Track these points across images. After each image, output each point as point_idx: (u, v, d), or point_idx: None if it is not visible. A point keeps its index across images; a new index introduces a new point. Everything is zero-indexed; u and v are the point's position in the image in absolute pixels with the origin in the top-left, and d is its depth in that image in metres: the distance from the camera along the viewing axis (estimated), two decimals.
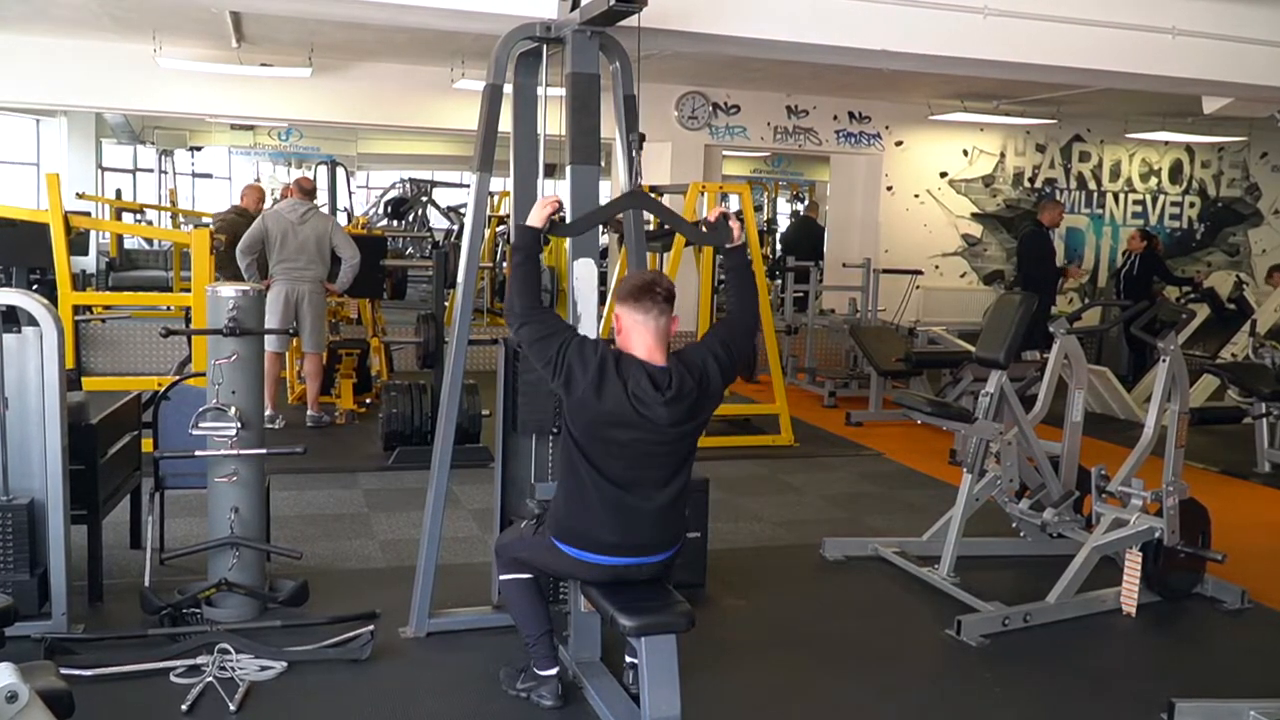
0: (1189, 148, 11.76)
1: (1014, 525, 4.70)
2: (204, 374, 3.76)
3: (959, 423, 4.53)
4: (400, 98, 9.19)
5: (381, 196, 15.44)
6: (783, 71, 8.68)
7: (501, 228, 10.75)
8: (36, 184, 11.95)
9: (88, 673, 3.18)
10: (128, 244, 12.07)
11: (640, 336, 2.80)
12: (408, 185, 15.05)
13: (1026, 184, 11.28)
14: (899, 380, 8.27)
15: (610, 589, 2.90)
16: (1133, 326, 4.75)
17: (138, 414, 4.32)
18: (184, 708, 3.05)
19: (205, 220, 9.60)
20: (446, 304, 6.90)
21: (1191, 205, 12.02)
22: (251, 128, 13.43)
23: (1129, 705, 3.39)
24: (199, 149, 14.76)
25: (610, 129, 3.58)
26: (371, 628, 3.58)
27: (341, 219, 11.04)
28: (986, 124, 10.63)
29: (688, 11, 4.13)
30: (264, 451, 3.76)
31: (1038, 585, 4.17)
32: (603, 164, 4.24)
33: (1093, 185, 11.60)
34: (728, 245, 3.05)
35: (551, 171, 3.80)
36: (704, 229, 3.14)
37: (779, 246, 12.89)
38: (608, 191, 9.23)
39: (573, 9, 3.52)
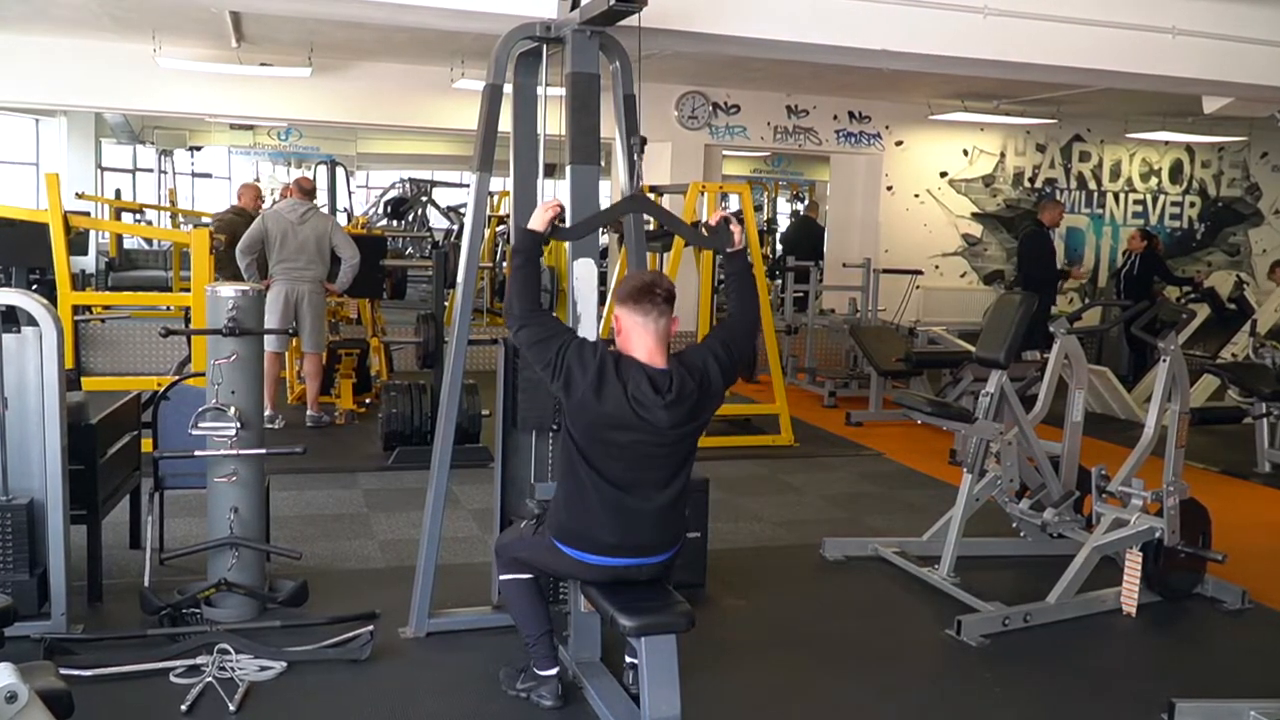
0: (1189, 147, 11.76)
1: (1014, 525, 4.70)
2: (203, 374, 3.76)
3: (959, 423, 4.52)
4: (400, 97, 9.19)
5: (381, 196, 15.43)
6: (783, 71, 8.68)
7: (501, 228, 10.75)
8: (36, 184, 11.95)
9: (87, 673, 3.18)
10: (127, 244, 12.06)
11: (640, 338, 2.80)
12: (407, 185, 15.05)
13: (1027, 184, 11.28)
14: (899, 380, 8.27)
15: (610, 589, 2.90)
16: (1133, 326, 4.75)
17: (137, 414, 4.31)
18: (183, 708, 3.04)
19: (205, 220, 9.60)
20: (446, 304, 6.89)
21: (1192, 205, 12.02)
22: (251, 127, 13.44)
23: (1129, 705, 3.38)
24: (198, 149, 14.76)
25: (610, 129, 3.58)
26: (371, 628, 3.58)
27: (341, 219, 11.04)
28: (987, 124, 10.63)
29: (688, 11, 4.13)
30: (263, 451, 3.76)
31: (1038, 585, 4.17)
32: (603, 164, 4.24)
33: (1093, 185, 11.60)
34: (729, 249, 3.05)
35: (551, 171, 3.80)
36: (705, 233, 3.13)
37: (779, 246, 12.89)
38: (608, 191, 9.23)
39: (572, 9, 3.51)
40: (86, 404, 3.87)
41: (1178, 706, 3.18)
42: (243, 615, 3.69)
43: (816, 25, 4.44)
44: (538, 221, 2.96)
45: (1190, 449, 4.39)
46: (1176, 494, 4.15)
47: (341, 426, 6.98)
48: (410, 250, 13.95)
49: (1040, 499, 4.51)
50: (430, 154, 15.40)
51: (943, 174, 10.94)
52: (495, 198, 11.04)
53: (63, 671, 2.61)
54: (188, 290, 6.93)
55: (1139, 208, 11.83)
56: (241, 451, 3.67)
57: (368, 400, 7.46)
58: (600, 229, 3.57)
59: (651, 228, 8.70)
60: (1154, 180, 11.82)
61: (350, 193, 13.35)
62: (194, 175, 15.51)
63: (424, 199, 14.89)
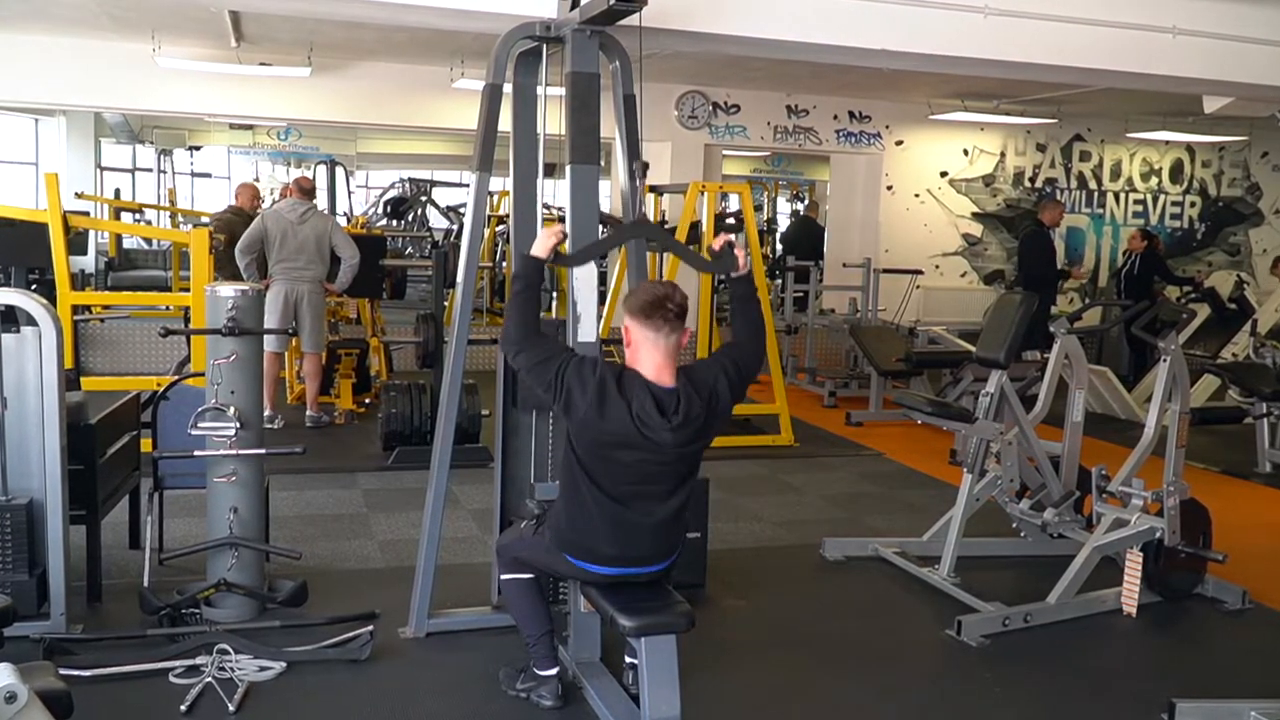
0: (1190, 147, 11.75)
1: (1014, 525, 4.70)
2: (203, 374, 3.76)
3: (959, 423, 4.52)
4: (400, 97, 9.18)
5: (381, 196, 15.43)
6: (783, 71, 8.68)
7: (501, 227, 10.74)
8: (35, 183, 11.95)
9: (86, 673, 3.18)
10: (126, 244, 12.05)
11: (648, 354, 2.76)
12: (407, 185, 15.04)
13: (1027, 183, 11.28)
14: (899, 380, 8.27)
15: (610, 589, 2.90)
16: (1133, 326, 4.75)
17: (137, 414, 4.31)
18: (183, 708, 3.04)
19: (204, 220, 9.59)
20: (446, 304, 6.89)
21: (1192, 205, 12.02)
22: (250, 127, 13.44)
23: (1129, 705, 3.38)
24: (198, 148, 14.76)
25: (610, 129, 3.57)
26: (371, 628, 3.57)
27: (341, 219, 11.04)
28: (987, 123, 10.63)
29: (688, 10, 4.12)
30: (263, 451, 3.76)
31: (1038, 585, 4.17)
32: (602, 164, 4.23)
33: (1093, 185, 11.59)
34: (733, 274, 3.01)
35: (551, 171, 3.79)
36: (708, 257, 3.10)
37: (779, 246, 12.88)
38: (607, 191, 9.22)
39: (572, 8, 3.51)
40: (86, 404, 3.86)
41: (1178, 707, 3.18)
42: (242, 615, 3.69)
43: (816, 24, 4.43)
44: (540, 248, 2.94)
45: (1191, 449, 4.39)
46: (1177, 494, 4.15)
47: (341, 426, 6.98)
48: (410, 250, 13.94)
49: (1040, 499, 4.51)
50: (430, 154, 15.40)
51: (943, 174, 10.94)
52: (495, 197, 11.03)
53: (62, 672, 2.61)
54: (187, 290, 6.92)
55: (1139, 207, 11.83)
56: (241, 451, 3.67)
57: (367, 400, 7.46)
58: (600, 227, 3.56)
59: None
60: (1154, 180, 11.82)
61: (350, 192, 13.35)
62: (193, 175, 15.52)
63: (424, 199, 14.89)
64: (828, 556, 4.70)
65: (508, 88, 3.57)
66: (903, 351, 7.99)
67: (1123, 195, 11.74)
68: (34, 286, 7.47)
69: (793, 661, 3.64)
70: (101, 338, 8.58)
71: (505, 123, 3.54)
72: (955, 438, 6.02)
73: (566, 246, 3.10)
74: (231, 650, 3.33)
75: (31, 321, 3.37)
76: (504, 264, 10.13)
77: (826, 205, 12.44)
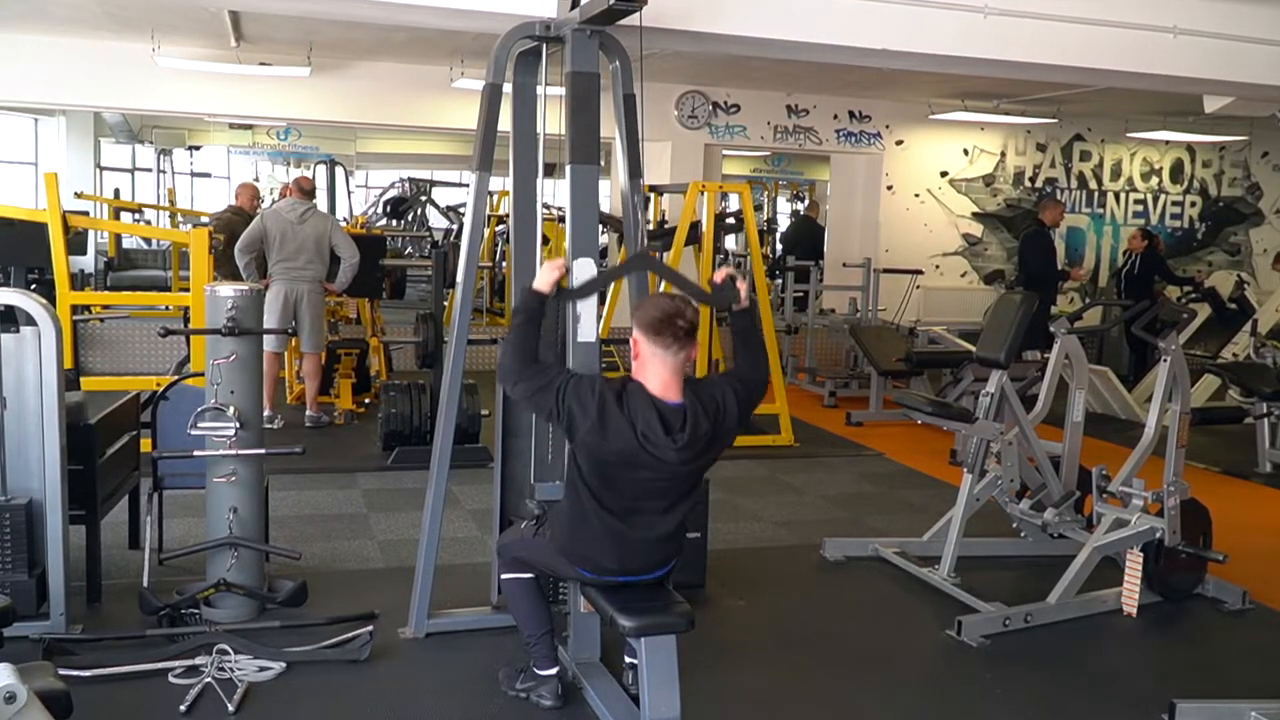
0: (1190, 147, 11.75)
1: (1014, 525, 4.69)
2: (202, 374, 3.76)
3: (959, 423, 4.52)
4: (399, 97, 9.18)
5: (380, 196, 15.43)
6: (783, 70, 8.67)
7: (501, 227, 10.74)
8: (35, 183, 11.94)
9: (86, 673, 3.17)
10: (126, 243, 12.06)
11: (655, 370, 2.74)
12: (407, 184, 15.04)
13: (1027, 183, 11.27)
14: (899, 380, 8.27)
15: (610, 590, 2.90)
16: (1134, 326, 4.74)
17: (136, 414, 4.31)
18: (182, 708, 3.04)
19: (204, 220, 9.59)
20: (446, 304, 6.89)
21: (1193, 204, 12.01)
22: (250, 127, 13.44)
23: (1130, 706, 3.38)
24: (197, 148, 14.76)
25: (610, 129, 3.57)
26: (370, 628, 3.57)
27: (341, 220, 11.03)
28: (987, 123, 10.63)
29: (688, 10, 4.11)
30: (263, 451, 3.75)
31: (1038, 586, 4.16)
32: (602, 163, 4.23)
33: (1094, 184, 11.59)
34: (735, 307, 2.99)
35: (551, 171, 3.79)
36: (709, 289, 3.09)
37: (779, 246, 12.89)
38: (607, 191, 9.22)
39: (572, 8, 3.50)
40: (85, 404, 3.86)
41: (1178, 707, 3.17)
42: (242, 615, 3.68)
43: (817, 24, 4.43)
44: (543, 282, 2.94)
45: (1191, 449, 4.39)
46: (1177, 494, 4.14)
47: (341, 426, 6.97)
48: (410, 250, 13.95)
49: (1041, 499, 4.50)
50: (429, 153, 15.41)
51: (943, 173, 10.94)
52: (495, 197, 11.03)
53: (61, 672, 2.60)
54: (187, 290, 6.92)
55: (1140, 207, 11.83)
56: (240, 451, 3.66)
57: (367, 400, 7.46)
58: (600, 226, 3.55)
59: (651, 226, 8.72)
60: (1155, 180, 11.82)
61: (349, 192, 13.34)
62: (193, 175, 15.53)
63: (423, 198, 14.89)
64: (828, 556, 4.70)
65: (508, 87, 3.56)
66: (903, 351, 7.99)
67: (1123, 195, 11.74)
68: (33, 286, 7.46)
69: (793, 661, 3.64)
70: (101, 338, 8.58)
71: (505, 122, 3.54)
72: (955, 438, 6.02)
73: (569, 280, 3.10)
74: (231, 650, 3.33)
75: (31, 321, 3.36)
76: (504, 264, 10.13)
77: (826, 205, 12.44)
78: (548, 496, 3.21)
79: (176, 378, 4.27)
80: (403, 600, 3.70)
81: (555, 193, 11.08)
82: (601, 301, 3.55)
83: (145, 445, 4.15)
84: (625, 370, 3.54)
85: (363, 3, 4.43)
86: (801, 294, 9.57)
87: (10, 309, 3.43)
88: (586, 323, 3.41)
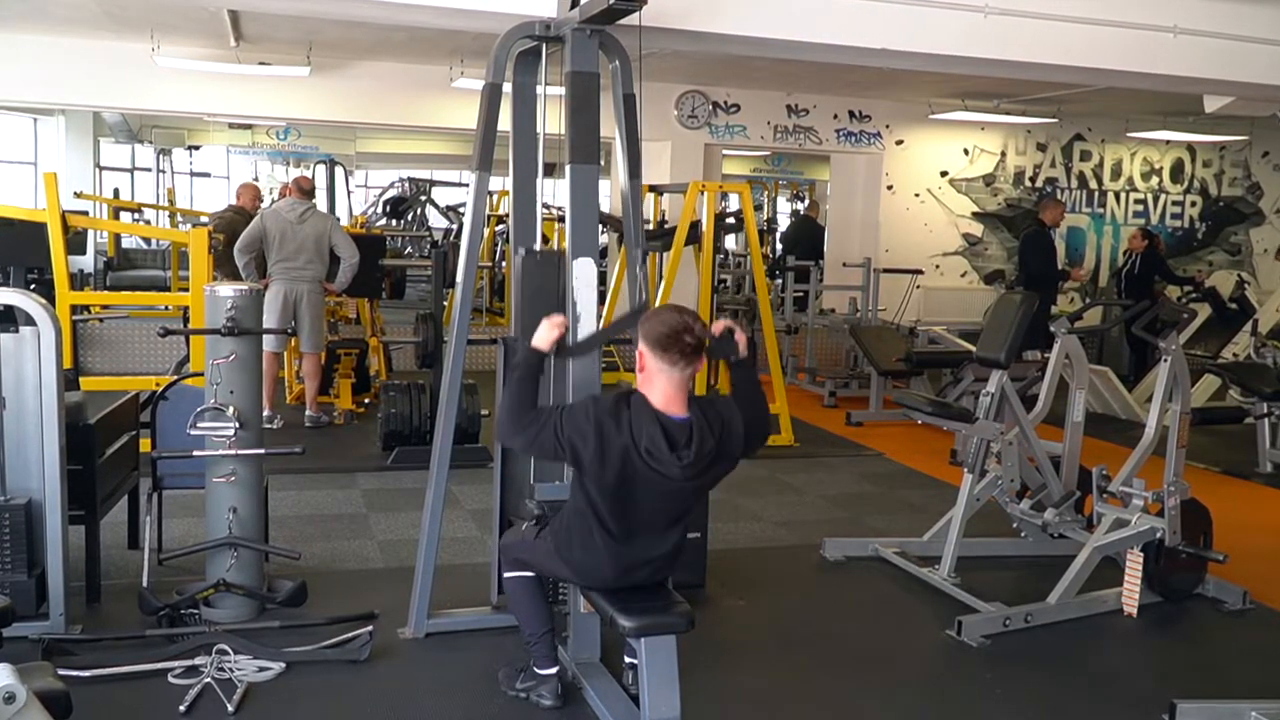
0: (1190, 147, 11.74)
1: (1015, 525, 4.69)
2: (202, 374, 3.75)
3: (960, 423, 4.51)
4: (399, 97, 9.17)
5: (380, 196, 15.43)
6: (783, 70, 8.67)
7: (501, 227, 10.74)
8: (34, 183, 11.94)
9: (85, 674, 3.17)
10: (125, 243, 12.06)
11: (660, 385, 2.72)
12: (406, 184, 15.04)
13: (1027, 183, 11.27)
14: (899, 380, 8.26)
15: (610, 590, 2.89)
16: (1134, 326, 4.74)
17: (136, 414, 4.31)
18: (182, 709, 3.03)
19: (203, 219, 9.59)
20: (445, 303, 6.88)
21: (1193, 204, 12.01)
22: (250, 127, 13.43)
23: (1130, 706, 3.38)
24: (197, 148, 14.76)
25: (610, 128, 3.57)
26: (370, 628, 3.57)
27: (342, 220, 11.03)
28: (987, 123, 10.62)
29: (687, 10, 4.11)
30: (262, 451, 3.75)
31: (1039, 586, 4.16)
32: (602, 163, 4.23)
33: (1094, 184, 11.58)
34: (733, 359, 2.97)
35: (551, 171, 3.79)
36: (709, 342, 3.07)
37: (779, 246, 12.89)
38: (607, 191, 9.21)
39: (572, 7, 3.50)
40: (85, 404, 3.86)
41: (1179, 707, 3.17)
42: (241, 616, 3.68)
43: (817, 24, 4.42)
44: (543, 340, 2.93)
45: (1191, 449, 4.39)
46: (1177, 494, 4.14)
47: (340, 426, 6.97)
48: (409, 250, 13.95)
49: (1041, 499, 4.50)
50: (429, 153, 15.40)
51: (943, 173, 10.93)
52: (495, 197, 11.03)
53: (61, 672, 2.60)
54: (186, 290, 6.91)
55: (1140, 207, 11.82)
56: (240, 451, 3.66)
57: (367, 400, 7.45)
58: (600, 226, 3.55)
59: (651, 226, 8.71)
60: (1155, 179, 11.81)
61: (349, 192, 13.34)
62: (192, 174, 15.52)
63: (423, 198, 14.89)
64: (828, 556, 4.69)
65: (507, 87, 3.56)
66: (903, 351, 7.98)
67: (1123, 195, 11.73)
68: (33, 286, 7.46)
69: (793, 661, 3.64)
70: (100, 337, 8.57)
71: (505, 122, 3.54)
72: (956, 438, 6.02)
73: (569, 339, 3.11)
74: (230, 650, 3.32)
75: (30, 321, 3.36)
76: (503, 264, 10.13)
77: (826, 205, 12.44)
78: (548, 496, 3.21)
79: (176, 378, 4.27)
80: (402, 600, 3.69)
81: (555, 193, 11.08)
82: (601, 301, 3.55)
83: (145, 445, 4.15)
84: (625, 369, 3.54)
85: (362, 2, 4.43)
86: (801, 294, 9.57)
87: (10, 309, 3.43)
88: (586, 322, 3.42)
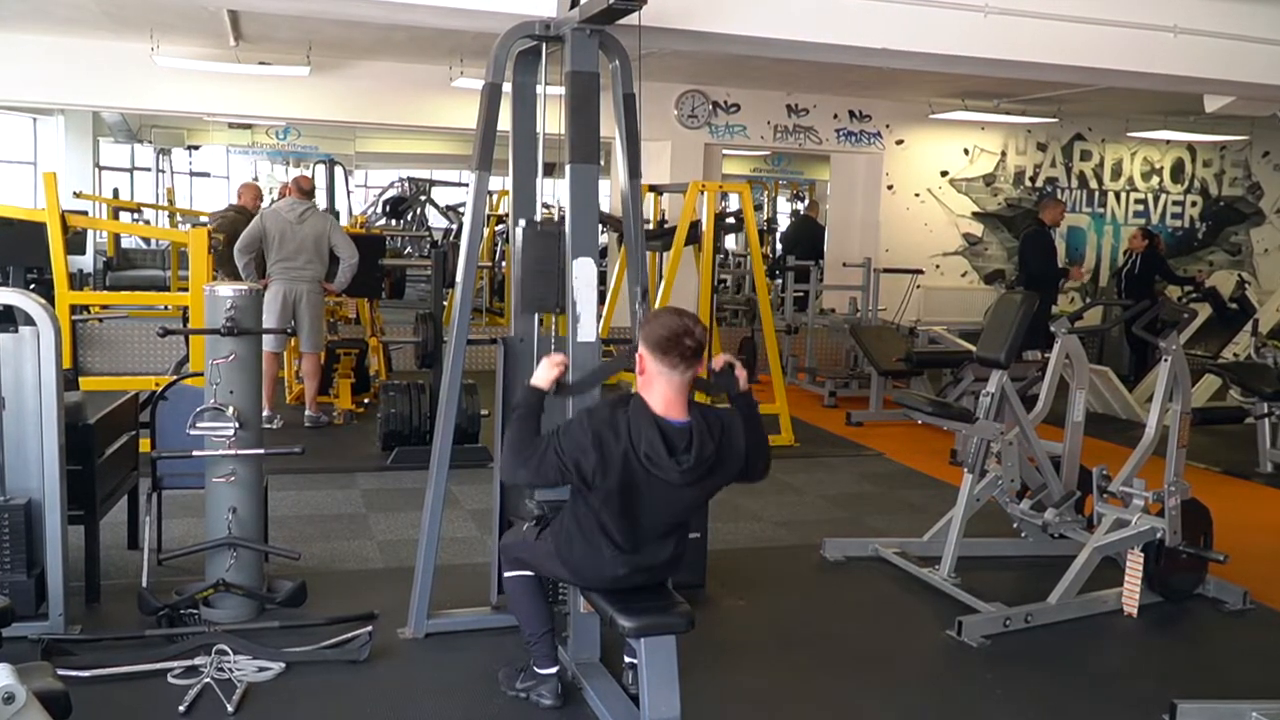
0: (1191, 146, 11.74)
1: (1015, 526, 4.69)
2: (202, 374, 3.75)
3: (960, 423, 4.51)
4: (399, 96, 9.17)
5: (380, 195, 15.42)
6: (783, 70, 8.66)
7: (500, 226, 10.73)
8: (34, 183, 11.94)
9: (85, 674, 3.17)
10: (125, 243, 12.05)
11: (660, 387, 2.72)
12: (406, 184, 15.04)
13: (1028, 183, 11.27)
14: (899, 380, 8.26)
15: (610, 591, 2.89)
16: (1134, 326, 4.74)
17: (135, 414, 4.30)
18: (181, 709, 3.03)
19: (203, 219, 9.58)
20: (445, 303, 6.88)
21: (1193, 204, 12.00)
22: (249, 126, 13.42)
23: (1130, 706, 3.37)
24: (196, 148, 14.74)
25: (610, 128, 3.57)
26: (370, 628, 3.57)
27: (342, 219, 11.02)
28: (987, 123, 10.62)
29: (687, 10, 4.11)
30: (262, 452, 3.75)
31: (1039, 586, 4.16)
32: (602, 163, 4.23)
33: (1094, 184, 11.58)
34: (733, 393, 2.95)
35: (551, 170, 3.79)
36: (707, 377, 3.07)
37: (779, 246, 12.89)
38: (607, 191, 9.21)
39: (572, 7, 3.50)
40: (84, 404, 3.86)
41: (1179, 707, 3.17)
42: (241, 616, 3.68)
43: (817, 24, 4.42)
44: (542, 379, 2.93)
45: (1192, 449, 4.38)
46: (1178, 494, 4.14)
47: (340, 426, 6.97)
48: (409, 249, 13.94)
49: (1041, 499, 4.50)
50: (429, 153, 15.39)
51: (943, 173, 10.93)
52: (494, 197, 11.03)
53: (60, 672, 2.59)
54: (186, 290, 6.91)
55: (1140, 207, 11.82)
56: (240, 451, 3.66)
57: (366, 400, 7.45)
58: (600, 226, 3.55)
59: (651, 226, 8.71)
60: (1155, 179, 11.81)
61: (349, 192, 13.33)
62: (192, 174, 15.51)
63: (423, 198, 14.89)
64: (828, 557, 4.69)
65: (507, 87, 3.56)
66: (903, 351, 7.98)
67: (1124, 195, 11.73)
68: (32, 286, 7.46)
69: (793, 661, 3.63)
70: (100, 337, 8.57)
71: (505, 122, 3.53)
72: (956, 438, 6.02)
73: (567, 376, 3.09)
74: (230, 651, 3.32)
75: (30, 321, 3.36)
76: (503, 263, 10.13)
77: (826, 205, 12.44)
78: (548, 497, 3.21)
79: (175, 378, 4.27)
80: (402, 600, 3.69)
81: (555, 192, 11.07)
82: (601, 301, 3.54)
83: (144, 445, 4.15)
84: (625, 369, 3.53)
85: (362, 2, 4.43)
86: (801, 294, 9.57)
87: (9, 309, 3.42)
88: (586, 322, 3.41)
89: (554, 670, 3.15)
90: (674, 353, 2.68)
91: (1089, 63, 4.86)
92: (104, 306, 8.71)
